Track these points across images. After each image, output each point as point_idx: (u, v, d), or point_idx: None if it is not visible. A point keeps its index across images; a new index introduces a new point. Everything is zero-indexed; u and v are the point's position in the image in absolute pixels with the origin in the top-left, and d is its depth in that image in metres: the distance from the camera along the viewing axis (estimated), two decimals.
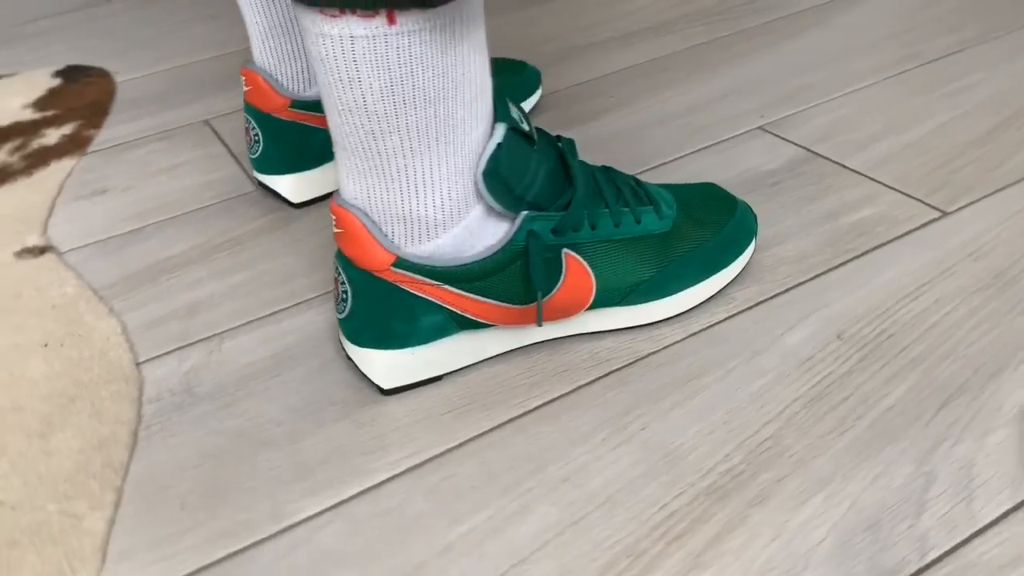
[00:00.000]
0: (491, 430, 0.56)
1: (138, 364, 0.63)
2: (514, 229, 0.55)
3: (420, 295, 0.55)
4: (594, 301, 0.59)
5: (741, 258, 0.64)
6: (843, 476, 0.50)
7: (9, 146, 0.94)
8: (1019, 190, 0.71)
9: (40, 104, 1.03)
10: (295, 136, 0.76)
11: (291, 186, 0.78)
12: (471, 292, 0.56)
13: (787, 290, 0.64)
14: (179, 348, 0.64)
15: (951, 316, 0.60)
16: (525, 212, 0.55)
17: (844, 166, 0.77)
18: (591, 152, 0.82)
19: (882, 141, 0.79)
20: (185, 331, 0.66)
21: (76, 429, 0.58)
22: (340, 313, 0.58)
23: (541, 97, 0.92)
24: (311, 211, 0.79)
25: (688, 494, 0.50)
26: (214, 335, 0.65)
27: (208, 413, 0.59)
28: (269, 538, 0.50)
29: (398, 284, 0.55)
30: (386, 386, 0.58)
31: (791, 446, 0.52)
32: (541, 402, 0.57)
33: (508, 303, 0.57)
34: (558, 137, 0.60)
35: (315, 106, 0.75)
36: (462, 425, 0.56)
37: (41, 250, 0.76)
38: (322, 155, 0.78)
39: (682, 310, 0.62)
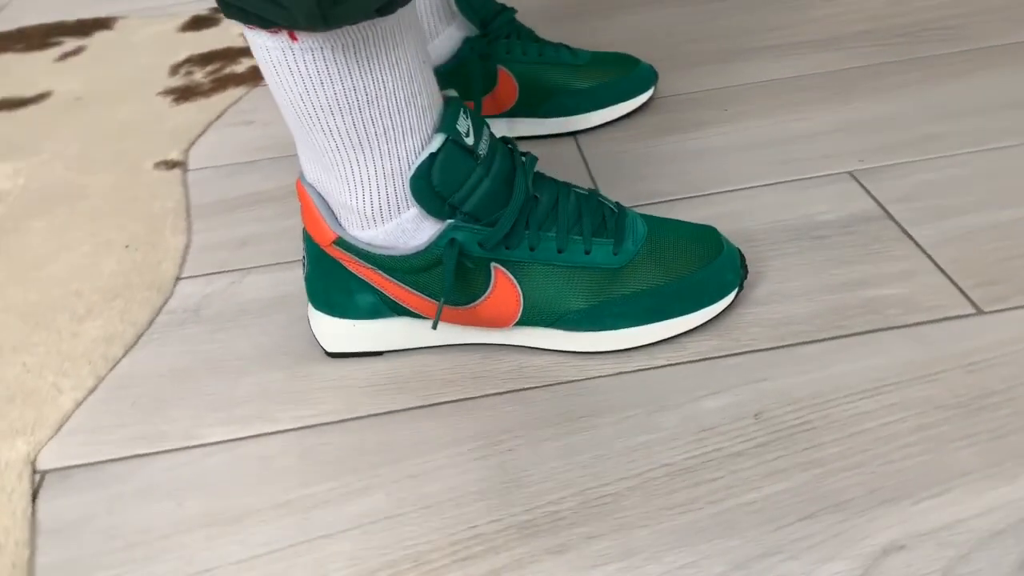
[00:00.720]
0: (388, 413, 0.60)
1: (177, 279, 0.75)
2: (437, 234, 0.58)
3: (357, 274, 0.61)
4: (522, 318, 0.61)
5: (706, 310, 0.61)
6: (651, 554, 0.49)
7: (210, 68, 1.10)
8: None
9: None
10: None
11: None
12: (401, 282, 0.60)
13: (743, 353, 0.61)
14: (213, 273, 0.75)
15: (891, 427, 0.54)
16: (450, 220, 0.57)
17: (907, 233, 0.69)
18: (662, 163, 0.81)
19: (970, 214, 0.70)
20: (227, 260, 0.76)
21: (104, 321, 0.71)
22: (304, 275, 0.64)
23: (654, 98, 0.91)
24: None
25: (502, 523, 0.52)
26: (243, 268, 0.75)
27: (197, 334, 0.69)
28: (169, 451, 0.59)
29: (339, 261, 0.61)
30: (329, 349, 0.64)
31: (626, 509, 0.52)
32: (446, 399, 0.60)
33: (434, 299, 0.60)
34: (524, 154, 0.61)
35: None
36: (370, 401, 0.61)
37: (173, 164, 0.91)
38: None
39: (619, 347, 0.61)
